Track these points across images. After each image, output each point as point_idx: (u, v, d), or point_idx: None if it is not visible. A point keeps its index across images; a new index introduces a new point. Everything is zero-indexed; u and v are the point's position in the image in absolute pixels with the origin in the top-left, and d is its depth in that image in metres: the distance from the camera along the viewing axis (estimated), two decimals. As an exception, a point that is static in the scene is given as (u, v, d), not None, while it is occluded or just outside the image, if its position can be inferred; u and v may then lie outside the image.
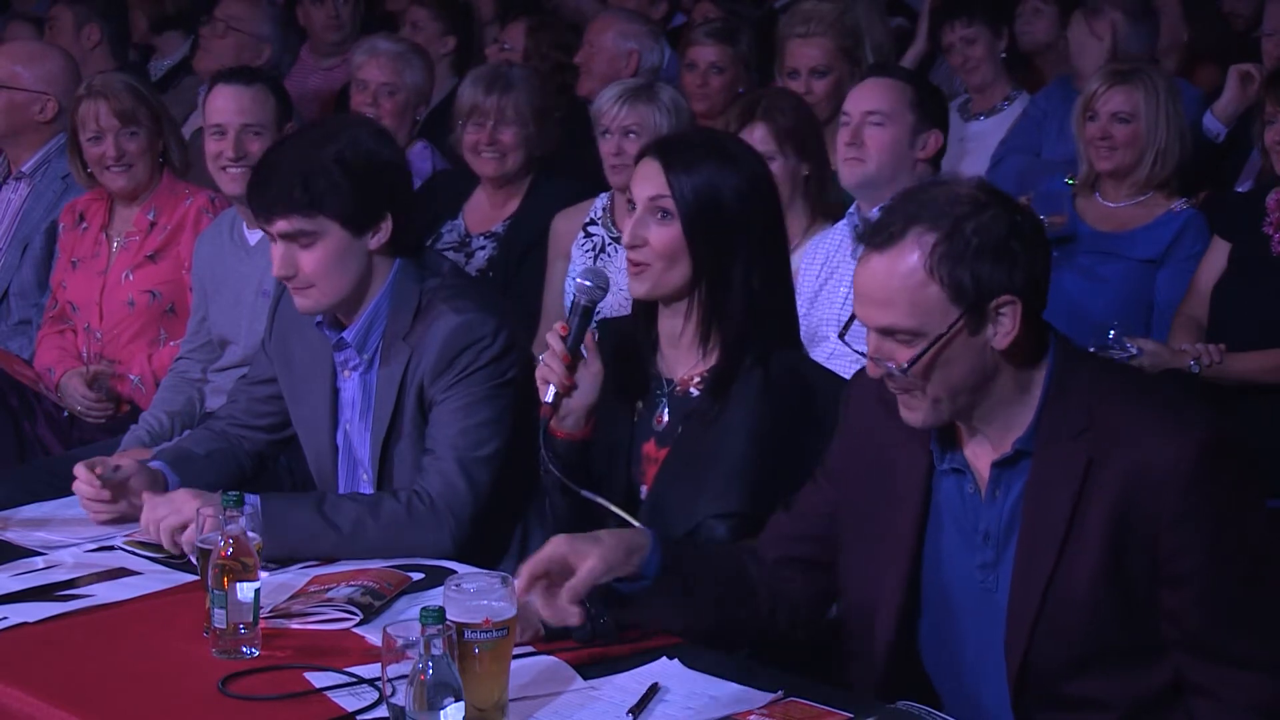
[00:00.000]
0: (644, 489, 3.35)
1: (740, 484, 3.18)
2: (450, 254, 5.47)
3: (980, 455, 2.82)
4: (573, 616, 2.81)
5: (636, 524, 3.17)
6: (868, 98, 4.66)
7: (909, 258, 2.68)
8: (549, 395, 3.22)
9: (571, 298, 3.29)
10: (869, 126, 4.62)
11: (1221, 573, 2.67)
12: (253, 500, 3.22)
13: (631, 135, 5.10)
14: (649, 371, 3.39)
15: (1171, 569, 2.68)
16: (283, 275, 3.55)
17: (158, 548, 3.42)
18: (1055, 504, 2.72)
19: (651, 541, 2.90)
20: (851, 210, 4.75)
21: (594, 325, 3.35)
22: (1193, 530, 2.66)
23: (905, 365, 2.70)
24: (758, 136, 4.85)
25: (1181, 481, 2.64)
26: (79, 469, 3.64)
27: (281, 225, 3.51)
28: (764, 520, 3.13)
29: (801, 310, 4.55)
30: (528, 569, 2.81)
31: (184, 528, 3.34)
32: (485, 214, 5.61)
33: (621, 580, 2.87)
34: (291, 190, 3.48)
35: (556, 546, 2.82)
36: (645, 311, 3.37)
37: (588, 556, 2.81)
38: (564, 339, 3.21)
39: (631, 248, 3.27)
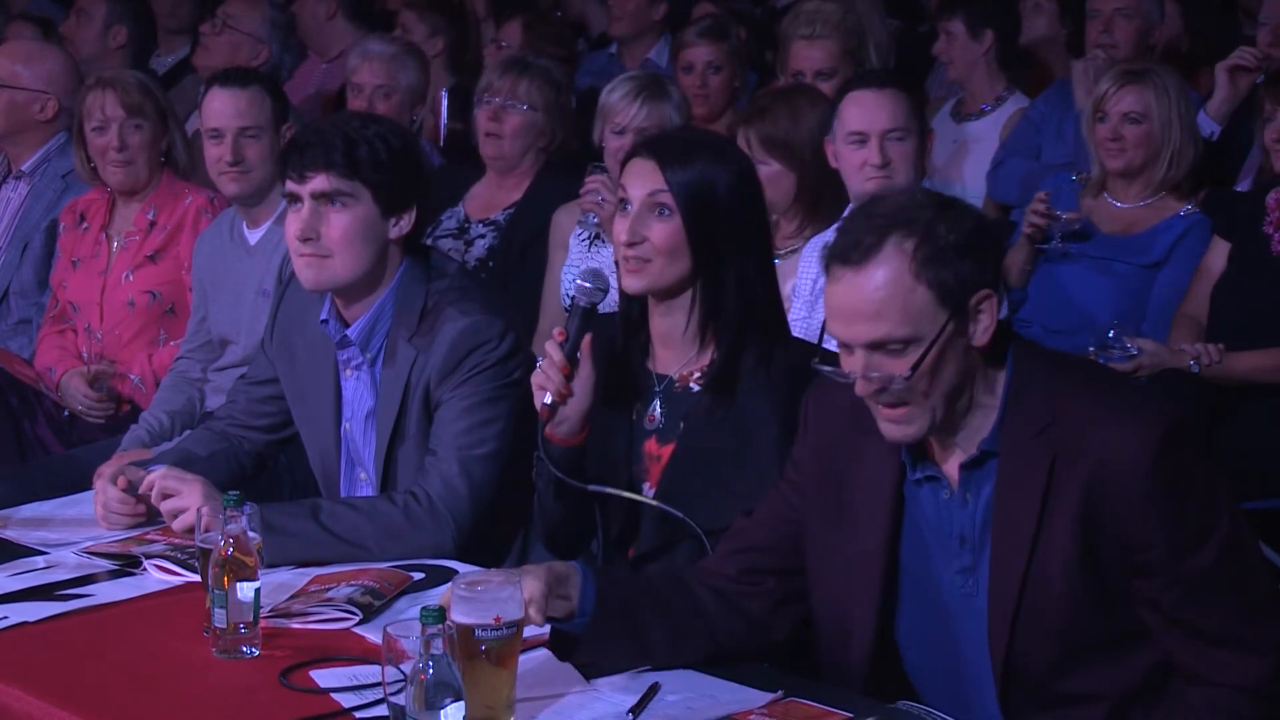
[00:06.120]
0: (646, 487, 3.35)
1: (775, 481, 3.19)
2: (449, 241, 5.49)
3: (949, 460, 2.83)
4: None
5: (654, 502, 3.24)
6: (883, 114, 4.59)
7: (893, 266, 2.68)
8: (545, 401, 3.23)
9: (570, 299, 3.30)
10: (891, 142, 4.58)
11: (1190, 556, 2.68)
12: (250, 509, 3.22)
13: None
14: (641, 372, 3.39)
15: (1141, 557, 2.69)
16: (303, 236, 3.53)
17: (116, 556, 3.42)
18: (1024, 503, 2.73)
19: (581, 574, 2.89)
20: (845, 215, 4.74)
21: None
22: (1156, 517, 2.67)
23: (908, 373, 2.68)
24: (751, 141, 4.85)
25: (1143, 470, 2.66)
26: (102, 483, 3.64)
27: (318, 182, 3.53)
28: None
29: (801, 315, 4.55)
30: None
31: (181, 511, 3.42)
32: (486, 201, 5.61)
33: (559, 621, 2.87)
34: (334, 150, 3.52)
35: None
36: (638, 311, 3.38)
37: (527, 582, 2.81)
38: (562, 345, 3.22)
39: (631, 245, 3.27)
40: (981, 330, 2.73)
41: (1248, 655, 2.70)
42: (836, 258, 2.74)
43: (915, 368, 2.69)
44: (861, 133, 4.59)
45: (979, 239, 2.73)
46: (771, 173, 4.73)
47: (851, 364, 2.73)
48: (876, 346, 2.70)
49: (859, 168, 4.59)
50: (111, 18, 7.40)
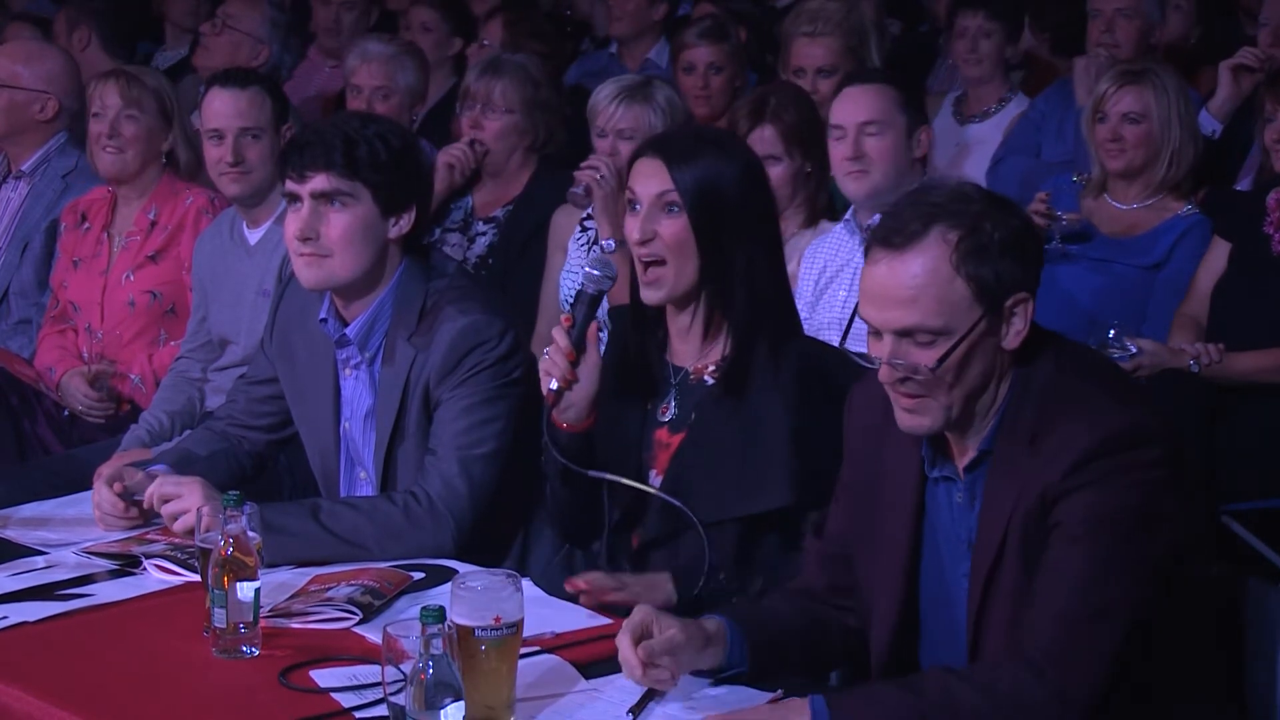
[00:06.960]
0: (654, 474, 3.38)
1: (782, 477, 3.20)
2: (455, 234, 5.49)
3: (963, 462, 2.82)
4: (665, 683, 2.76)
5: (655, 491, 3.26)
6: (860, 108, 4.61)
7: (934, 255, 2.67)
8: (551, 386, 3.24)
9: (579, 286, 3.32)
10: (867, 137, 4.58)
11: (1071, 557, 2.62)
12: (250, 509, 3.22)
13: (627, 138, 5.08)
14: (658, 365, 3.41)
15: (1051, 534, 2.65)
16: (303, 235, 3.53)
17: (116, 556, 3.42)
18: (999, 513, 2.72)
19: (729, 631, 2.85)
20: (848, 216, 4.75)
21: (602, 316, 3.38)
22: (1066, 509, 2.63)
23: (935, 365, 2.67)
24: (767, 137, 4.86)
25: (1068, 462, 2.63)
26: (100, 486, 3.63)
27: (318, 182, 3.53)
28: (808, 510, 3.18)
29: (803, 313, 4.56)
30: (628, 642, 2.74)
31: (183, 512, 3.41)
32: (487, 197, 5.62)
33: (708, 673, 2.83)
34: (334, 150, 3.53)
35: (643, 614, 2.78)
36: (653, 311, 3.39)
37: (670, 627, 2.78)
38: (568, 331, 3.24)
39: (643, 243, 3.31)
40: (1013, 333, 2.72)
41: (1034, 671, 2.60)
42: (879, 240, 2.73)
43: (942, 361, 2.68)
44: (840, 126, 4.61)
45: (1023, 240, 2.72)
46: (797, 166, 4.82)
47: (879, 349, 2.73)
48: (906, 334, 2.69)
49: (839, 162, 4.62)
50: (71, 22, 7.41)
